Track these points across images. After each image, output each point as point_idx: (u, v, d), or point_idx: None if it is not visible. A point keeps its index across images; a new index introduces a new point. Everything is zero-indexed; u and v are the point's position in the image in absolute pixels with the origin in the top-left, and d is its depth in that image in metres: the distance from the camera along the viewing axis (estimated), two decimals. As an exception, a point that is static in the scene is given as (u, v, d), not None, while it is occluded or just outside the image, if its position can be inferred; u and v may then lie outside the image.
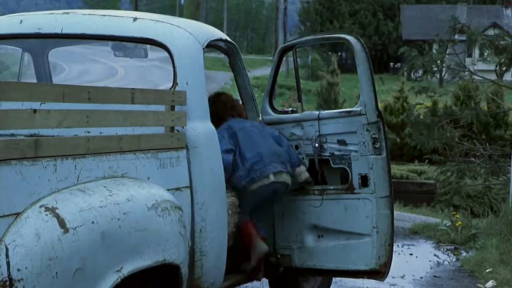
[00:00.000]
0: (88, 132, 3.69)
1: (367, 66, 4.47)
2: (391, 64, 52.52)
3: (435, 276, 6.80)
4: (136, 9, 43.16)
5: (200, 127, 3.97)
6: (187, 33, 4.12)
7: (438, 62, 10.35)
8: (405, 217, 10.81)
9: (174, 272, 3.54)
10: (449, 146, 10.64)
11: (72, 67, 5.05)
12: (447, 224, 8.83)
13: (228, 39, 4.59)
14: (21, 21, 4.31)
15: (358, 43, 4.50)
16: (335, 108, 22.94)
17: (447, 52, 11.01)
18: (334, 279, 5.82)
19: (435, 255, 7.73)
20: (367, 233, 4.46)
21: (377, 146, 4.41)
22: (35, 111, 3.07)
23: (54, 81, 4.72)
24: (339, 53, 48.47)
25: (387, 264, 4.48)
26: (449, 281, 6.65)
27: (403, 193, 15.93)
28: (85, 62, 5.14)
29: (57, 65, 4.78)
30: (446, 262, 7.42)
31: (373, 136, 4.42)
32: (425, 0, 54.25)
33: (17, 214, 2.86)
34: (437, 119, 10.31)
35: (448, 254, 7.79)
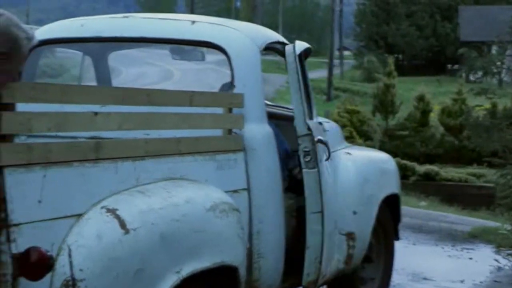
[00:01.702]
0: (147, 134, 3.74)
1: (295, 77, 4.24)
2: (449, 66, 51.86)
3: (495, 281, 6.69)
4: (192, 12, 43.53)
5: (257, 129, 3.98)
6: (244, 36, 4.14)
7: (498, 63, 10.18)
8: (463, 220, 10.67)
9: (232, 274, 3.55)
10: (509, 149, 10.45)
11: (129, 70, 5.13)
12: (508, 228, 8.68)
13: (286, 41, 4.59)
14: (82, 25, 4.38)
15: (291, 53, 4.29)
16: (392, 111, 22.76)
17: (507, 53, 10.82)
18: (393, 283, 5.78)
19: (495, 259, 7.60)
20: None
21: (307, 159, 4.24)
22: (96, 113, 3.12)
23: (113, 84, 4.80)
24: (396, 55, 48.05)
25: (316, 282, 4.32)
26: (510, 286, 6.54)
27: (461, 196, 15.72)
28: (142, 65, 5.21)
29: (115, 69, 4.86)
30: (507, 267, 7.29)
31: (304, 149, 4.25)
32: (484, 1, 53.41)
33: (79, 215, 2.91)
34: (497, 122, 10.12)
35: (508, 259, 7.65)
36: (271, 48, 4.45)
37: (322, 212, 4.16)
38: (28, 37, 2.67)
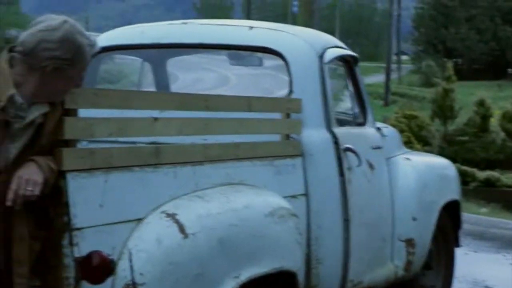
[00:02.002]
0: (205, 139, 3.76)
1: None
2: (509, 70, 50.93)
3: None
4: (248, 17, 43.67)
5: (315, 134, 3.97)
6: (303, 41, 4.13)
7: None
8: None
9: (290, 279, 3.55)
10: None
11: (185, 76, 5.17)
12: None
13: (344, 46, 4.57)
14: (142, 32, 4.44)
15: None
16: (451, 117, 22.42)
17: None
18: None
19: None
20: None
21: None
22: (156, 119, 3.16)
23: (170, 90, 4.83)
24: (455, 59, 47.41)
25: None
26: None
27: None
28: (198, 71, 5.25)
29: (172, 74, 4.90)
30: None
31: None
32: (546, 3, 52.31)
33: (139, 220, 2.94)
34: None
35: None
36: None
37: (348, 219, 4.08)
38: (91, 44, 2.72)
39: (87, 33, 2.78)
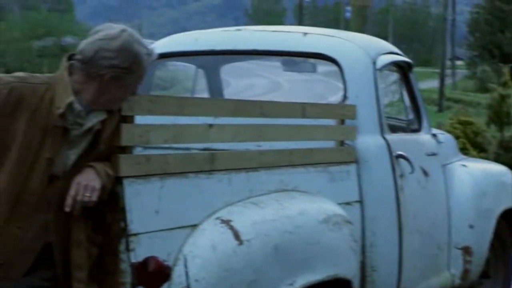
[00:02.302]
0: (259, 146, 3.76)
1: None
2: None
3: None
4: (300, 23, 43.66)
5: (370, 141, 3.94)
6: (357, 47, 4.11)
7: None
8: None
9: (345, 287, 3.52)
10: None
11: (237, 82, 5.18)
12: None
13: (399, 52, 4.53)
14: (196, 39, 4.46)
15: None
16: (507, 123, 22.03)
17: None
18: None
19: None
20: None
21: None
22: (210, 125, 3.17)
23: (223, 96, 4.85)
24: (511, 64, 46.59)
25: None
26: None
27: None
28: (250, 77, 5.25)
29: (225, 80, 4.92)
30: None
31: None
32: None
33: (194, 226, 2.95)
34: None
35: None
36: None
37: (400, 227, 4.02)
38: (148, 53, 2.75)
39: (145, 41, 2.81)
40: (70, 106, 2.65)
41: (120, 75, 2.67)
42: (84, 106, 2.68)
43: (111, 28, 2.70)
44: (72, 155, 2.69)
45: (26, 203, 2.62)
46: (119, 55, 2.65)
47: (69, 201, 2.63)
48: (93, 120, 2.70)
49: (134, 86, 2.76)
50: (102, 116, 2.72)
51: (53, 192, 2.66)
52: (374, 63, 4.08)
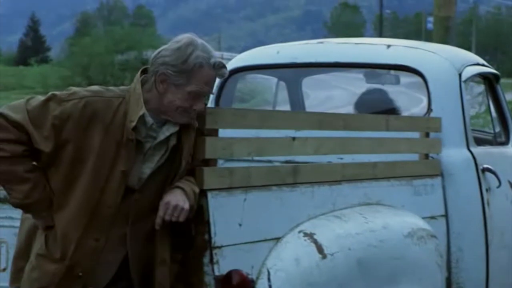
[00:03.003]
0: (341, 158, 3.74)
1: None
2: None
3: None
4: (380, 35, 43.33)
5: (455, 154, 3.86)
6: (442, 59, 4.04)
7: None
8: None
9: (430, 303, 3.46)
10: None
11: (316, 94, 5.16)
12: None
13: (485, 63, 4.43)
14: (278, 52, 4.47)
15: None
16: None
17: None
18: None
19: None
20: None
21: None
22: (294, 138, 3.17)
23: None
24: None
25: None
26: None
27: None
28: (329, 89, 5.22)
29: (305, 93, 4.91)
30: None
31: None
32: None
33: (277, 239, 2.95)
34: None
35: None
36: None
37: (487, 242, 3.91)
38: (211, 63, 2.67)
39: (216, 53, 2.79)
40: (141, 119, 2.65)
41: (170, 74, 2.64)
42: (155, 118, 2.68)
43: (181, 36, 2.72)
44: (146, 168, 2.70)
45: (102, 215, 2.63)
46: (173, 53, 2.66)
47: (158, 220, 2.66)
48: (165, 133, 2.69)
49: (195, 94, 2.66)
50: (174, 129, 2.70)
51: (129, 205, 2.67)
52: (460, 74, 4.00)
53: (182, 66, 2.64)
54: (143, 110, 2.64)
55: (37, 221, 2.71)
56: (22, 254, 2.85)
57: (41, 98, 2.68)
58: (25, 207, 2.69)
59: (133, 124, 2.63)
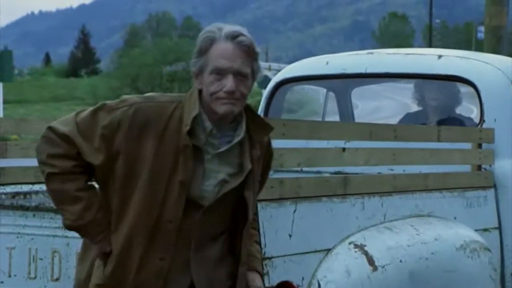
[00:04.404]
0: (391, 169, 3.71)
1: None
2: None
3: None
4: (430, 45, 42.95)
5: (509, 165, 3.80)
6: (494, 69, 3.99)
7: None
8: None
9: (483, 317, 3.40)
10: None
11: (365, 104, 5.13)
12: None
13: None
14: (327, 63, 4.47)
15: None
16: None
17: None
18: None
19: None
20: None
21: None
22: (344, 149, 3.15)
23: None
24: None
25: None
26: None
27: None
28: (378, 99, 5.19)
29: (354, 103, 4.88)
30: None
31: None
32: None
33: (328, 250, 2.93)
34: None
35: None
36: None
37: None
38: (221, 35, 2.40)
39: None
40: (198, 122, 2.39)
41: (193, 65, 2.44)
42: (216, 124, 2.40)
43: None
44: (209, 185, 2.42)
45: (164, 231, 2.38)
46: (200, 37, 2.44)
47: None
48: (230, 142, 2.41)
49: (216, 72, 2.38)
50: (239, 136, 2.42)
51: (193, 225, 2.41)
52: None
53: (198, 52, 2.42)
54: (196, 110, 2.39)
55: (93, 247, 2.46)
56: None
57: (91, 109, 2.48)
58: (78, 229, 2.46)
59: (188, 127, 2.37)
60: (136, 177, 2.39)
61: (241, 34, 2.40)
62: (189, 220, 2.40)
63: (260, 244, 2.69)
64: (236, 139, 2.43)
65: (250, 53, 2.41)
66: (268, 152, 2.56)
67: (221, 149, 2.42)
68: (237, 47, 2.39)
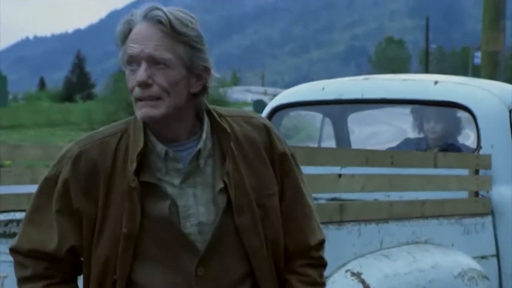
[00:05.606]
0: (388, 196, 3.69)
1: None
2: None
3: None
4: (426, 70, 43.13)
5: (506, 191, 3.78)
6: (491, 95, 3.98)
7: None
8: None
9: None
10: None
11: (361, 130, 5.12)
12: None
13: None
14: (323, 88, 4.45)
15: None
16: None
17: None
18: None
19: None
20: None
21: None
22: (340, 176, 3.13)
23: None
24: None
25: None
26: None
27: None
28: (375, 125, 5.18)
29: (350, 129, 4.87)
30: None
31: None
32: None
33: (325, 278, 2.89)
34: None
35: None
36: None
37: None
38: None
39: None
40: (147, 152, 1.93)
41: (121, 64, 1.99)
42: (172, 142, 1.93)
43: None
44: (193, 227, 1.92)
45: None
46: None
47: None
48: (188, 159, 1.92)
49: (128, 60, 1.91)
50: (197, 147, 1.93)
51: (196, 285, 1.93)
52: (510, 111, 3.93)
53: (118, 44, 1.94)
54: (141, 139, 1.91)
55: None
56: None
57: (35, 195, 2.02)
58: None
59: (134, 165, 1.90)
60: (93, 234, 1.96)
61: (156, 9, 1.88)
62: (180, 277, 1.92)
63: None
64: (192, 153, 1.92)
65: (169, 33, 1.87)
66: (276, 152, 2.10)
67: (184, 170, 1.92)
68: (150, 25, 1.87)
